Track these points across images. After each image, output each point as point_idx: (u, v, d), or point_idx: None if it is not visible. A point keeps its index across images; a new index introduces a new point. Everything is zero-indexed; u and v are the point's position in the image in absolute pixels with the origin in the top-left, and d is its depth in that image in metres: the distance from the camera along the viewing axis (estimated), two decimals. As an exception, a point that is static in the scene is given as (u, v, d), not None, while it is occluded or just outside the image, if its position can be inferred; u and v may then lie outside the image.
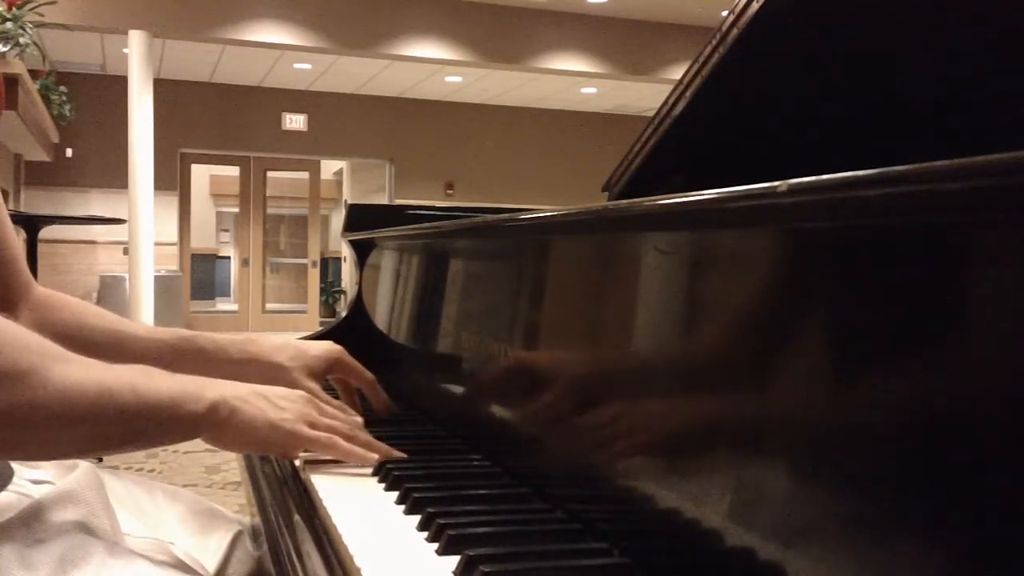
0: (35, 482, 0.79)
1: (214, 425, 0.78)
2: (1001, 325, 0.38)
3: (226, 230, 15.42)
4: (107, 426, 0.72)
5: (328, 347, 1.10)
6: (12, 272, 0.95)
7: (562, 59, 9.68)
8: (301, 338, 1.59)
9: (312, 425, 0.85)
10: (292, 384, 1.02)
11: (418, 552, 0.67)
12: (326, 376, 1.09)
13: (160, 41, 8.86)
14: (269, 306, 12.28)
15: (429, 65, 9.86)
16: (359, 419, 0.96)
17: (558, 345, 0.86)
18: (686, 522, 0.58)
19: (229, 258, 14.46)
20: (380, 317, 1.54)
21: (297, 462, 0.92)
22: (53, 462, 0.82)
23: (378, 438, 0.92)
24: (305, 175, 12.17)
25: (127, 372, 0.74)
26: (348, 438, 0.88)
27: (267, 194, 11.96)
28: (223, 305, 14.15)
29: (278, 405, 0.84)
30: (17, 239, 0.97)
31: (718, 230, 0.59)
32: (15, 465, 0.79)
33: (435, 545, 0.67)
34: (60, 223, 5.45)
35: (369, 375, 1.12)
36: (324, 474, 0.87)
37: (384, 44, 9.17)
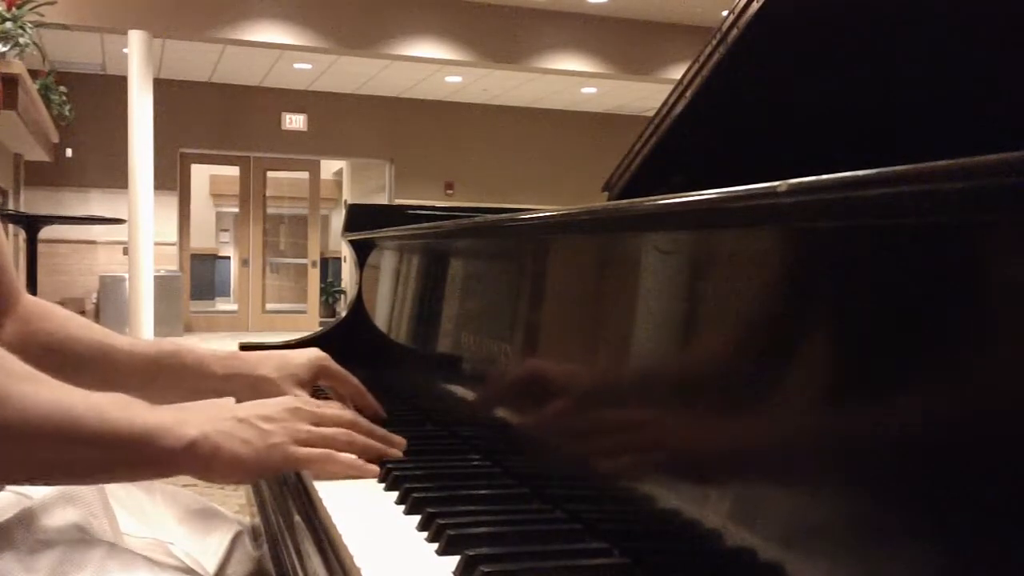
0: (34, 482, 0.79)
1: (197, 462, 0.75)
2: (1002, 325, 0.38)
3: (226, 230, 15.44)
4: (71, 453, 0.69)
5: (312, 355, 1.08)
6: (1, 282, 0.93)
7: (562, 59, 9.69)
8: (301, 339, 1.60)
9: (305, 441, 0.82)
10: (279, 395, 1.00)
11: (418, 552, 0.67)
12: (313, 384, 1.07)
13: (160, 41, 8.87)
14: (269, 306, 12.28)
15: (429, 65, 9.87)
16: (350, 413, 0.94)
17: (558, 345, 0.86)
18: (686, 522, 0.58)
19: (229, 258, 14.47)
20: (380, 317, 1.54)
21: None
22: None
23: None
24: (305, 175, 12.18)
25: (101, 400, 0.71)
26: (346, 444, 0.85)
27: (267, 194, 11.96)
28: (223, 305, 14.15)
29: (264, 429, 0.79)
30: (8, 248, 0.96)
31: (718, 230, 0.59)
32: (15, 465, 0.79)
33: (435, 545, 0.67)
34: (60, 223, 5.47)
35: (355, 381, 1.09)
36: (324, 474, 0.87)
37: (384, 44, 9.17)
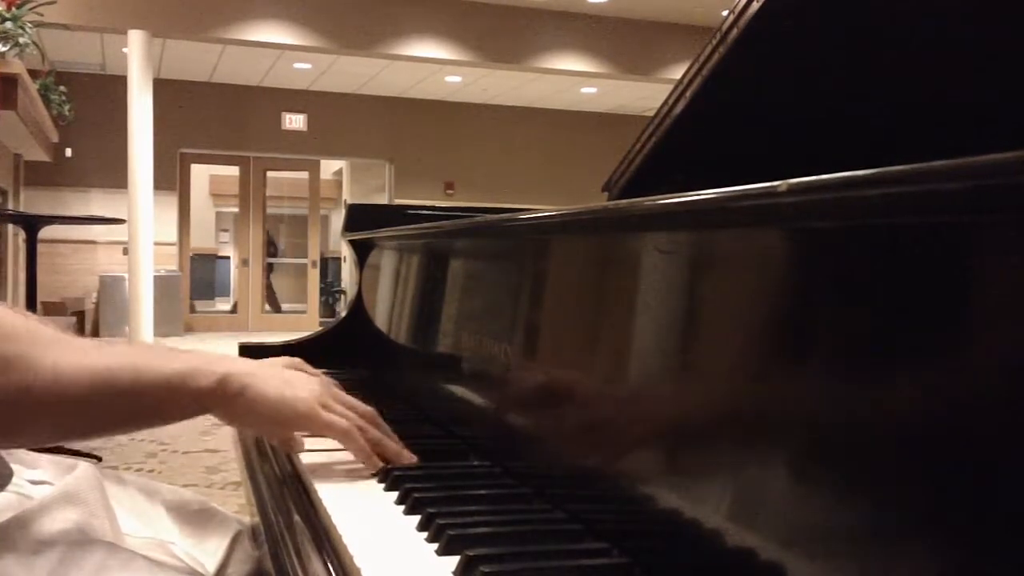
0: (34, 483, 0.79)
1: (224, 400, 0.77)
2: (1001, 324, 0.38)
3: (226, 230, 15.43)
4: (107, 406, 0.72)
5: (287, 361, 1.10)
6: None
7: (562, 59, 9.69)
8: (301, 339, 1.60)
9: (327, 408, 0.84)
10: None
11: (418, 552, 0.67)
12: None
13: (160, 41, 8.87)
14: (269, 306, 12.29)
15: (429, 65, 9.87)
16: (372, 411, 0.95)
17: (558, 345, 0.86)
18: (686, 522, 0.58)
19: (229, 258, 14.46)
20: (380, 317, 1.53)
21: (303, 460, 0.92)
22: (53, 463, 0.82)
23: None
24: (305, 175, 12.17)
25: (129, 351, 0.75)
26: (362, 429, 0.87)
27: (267, 194, 11.96)
28: (223, 305, 14.15)
29: (292, 383, 0.82)
30: None
31: (718, 230, 0.59)
32: (14, 465, 0.79)
33: (435, 545, 0.67)
34: (60, 223, 5.46)
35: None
36: (324, 473, 0.87)
37: (384, 44, 9.17)
